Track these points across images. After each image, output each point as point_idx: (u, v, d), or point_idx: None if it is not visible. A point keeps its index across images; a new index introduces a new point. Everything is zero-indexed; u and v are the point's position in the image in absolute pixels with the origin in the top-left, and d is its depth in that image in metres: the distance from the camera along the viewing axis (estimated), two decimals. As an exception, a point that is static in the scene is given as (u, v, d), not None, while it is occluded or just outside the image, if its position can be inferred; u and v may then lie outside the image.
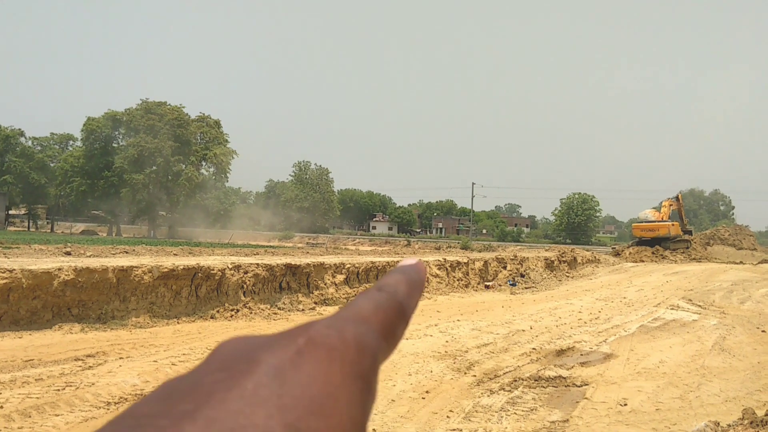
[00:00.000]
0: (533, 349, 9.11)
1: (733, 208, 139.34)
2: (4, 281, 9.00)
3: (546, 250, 28.34)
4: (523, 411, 6.07)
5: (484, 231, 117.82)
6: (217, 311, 10.69)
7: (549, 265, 23.11)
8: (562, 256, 24.83)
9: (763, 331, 11.03)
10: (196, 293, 10.59)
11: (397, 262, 15.50)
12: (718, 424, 4.79)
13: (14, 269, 9.24)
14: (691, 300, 15.45)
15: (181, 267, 10.41)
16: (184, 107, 71.75)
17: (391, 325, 0.42)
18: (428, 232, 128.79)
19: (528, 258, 22.26)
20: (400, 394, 6.44)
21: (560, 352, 8.94)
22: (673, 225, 39.63)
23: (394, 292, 0.44)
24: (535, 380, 7.24)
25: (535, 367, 7.96)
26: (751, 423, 4.59)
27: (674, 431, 5.50)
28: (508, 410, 6.06)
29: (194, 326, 9.88)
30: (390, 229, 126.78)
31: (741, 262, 36.52)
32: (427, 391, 6.56)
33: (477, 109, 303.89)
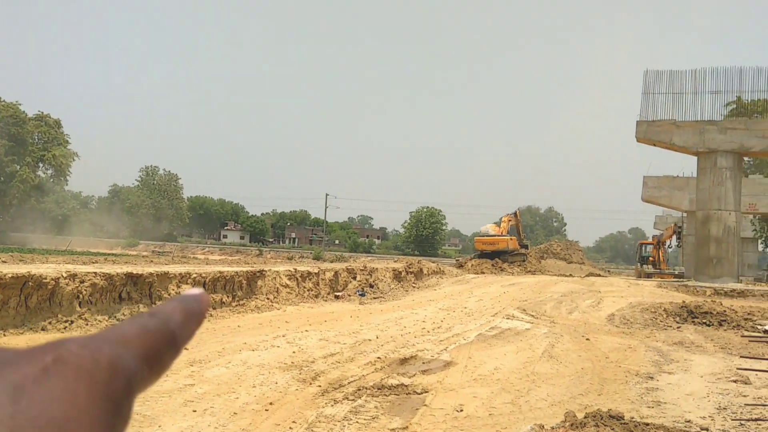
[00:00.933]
0: (378, 358, 9.31)
1: (565, 224, 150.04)
2: None
3: (395, 261, 29.06)
4: (365, 419, 6.20)
5: (337, 242, 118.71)
6: (49, 323, 10.01)
7: (397, 276, 23.71)
8: (410, 267, 25.56)
9: (587, 339, 11.97)
10: (26, 303, 9.87)
11: (248, 272, 15.30)
12: (543, 426, 5.15)
13: None
14: (525, 310, 16.45)
15: (9, 275, 9.67)
16: (20, 104, 66.66)
17: (157, 351, 0.41)
18: (281, 242, 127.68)
19: (377, 269, 22.72)
20: (243, 406, 6.37)
21: (404, 361, 9.21)
22: (511, 239, 42.06)
23: (166, 319, 0.43)
24: (379, 389, 7.41)
25: (379, 375, 8.14)
26: (572, 425, 4.98)
27: (505, 434, 5.85)
28: (351, 419, 6.17)
29: (22, 338, 9.20)
30: (242, 238, 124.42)
31: (570, 275, 39.39)
32: (270, 403, 6.53)
33: (331, 121, 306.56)
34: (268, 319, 13.27)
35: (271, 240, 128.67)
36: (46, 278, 10.19)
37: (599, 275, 42.16)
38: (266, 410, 6.29)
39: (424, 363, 9.17)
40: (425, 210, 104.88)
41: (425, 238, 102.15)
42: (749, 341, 11.38)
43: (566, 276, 37.43)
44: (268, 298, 15.43)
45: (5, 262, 14.38)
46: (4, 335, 9.32)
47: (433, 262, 32.62)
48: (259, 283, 15.49)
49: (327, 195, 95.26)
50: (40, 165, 68.53)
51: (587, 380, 8.39)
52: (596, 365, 9.46)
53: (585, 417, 5.02)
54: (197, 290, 0.50)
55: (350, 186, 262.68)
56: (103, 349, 0.37)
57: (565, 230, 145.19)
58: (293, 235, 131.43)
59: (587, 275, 39.66)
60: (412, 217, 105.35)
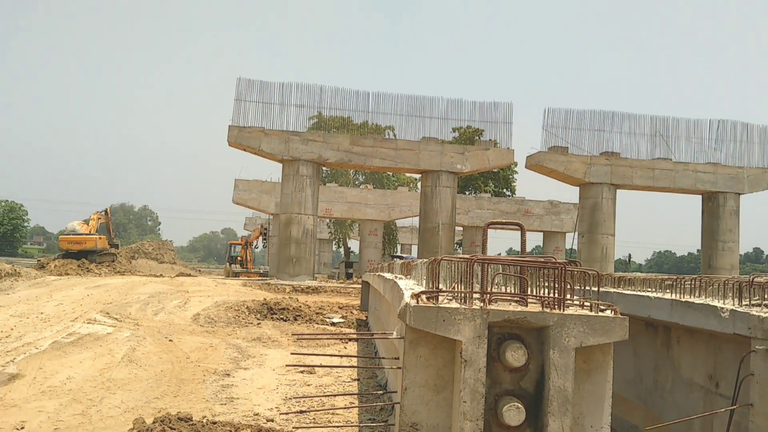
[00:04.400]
0: None
1: (160, 223, 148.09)
2: None
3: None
4: None
5: None
6: None
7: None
8: (-26, 271, 22.42)
9: (170, 341, 11.96)
10: None
11: None
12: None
13: None
14: (108, 313, 15.72)
15: None
16: None
17: None
18: None
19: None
20: None
21: (-44, 379, 8.04)
22: (100, 238, 39.89)
23: None
24: None
25: None
26: None
27: (71, 449, 5.51)
28: None
29: None
30: None
31: (161, 275, 38.93)
32: None
33: None
34: None
35: None
36: None
37: (189, 275, 42.50)
38: None
39: (-17, 379, 8.13)
40: (4, 204, 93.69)
41: (2, 236, 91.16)
42: (298, 338, 12.50)
43: (157, 276, 36.81)
44: None
45: None
46: None
47: (9, 263, 29.29)
48: None
49: None
50: None
51: (165, 382, 8.39)
52: (176, 366, 9.52)
53: (153, 422, 5.02)
54: None
55: None
56: None
57: (159, 229, 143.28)
58: None
59: (177, 275, 39.62)
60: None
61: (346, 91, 30.71)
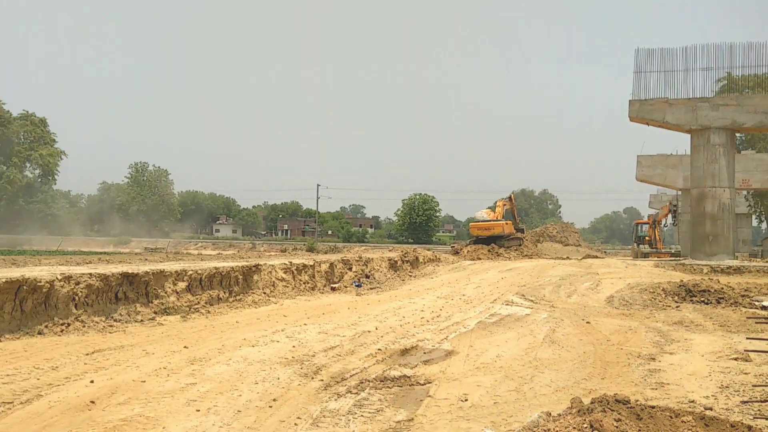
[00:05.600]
0: (379, 349, 9.26)
1: (560, 206, 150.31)
2: None
3: (390, 251, 29.02)
4: (369, 413, 6.14)
5: (330, 232, 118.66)
6: (46, 326, 9.90)
7: (393, 266, 23.66)
8: (405, 256, 25.52)
9: (587, 323, 11.95)
10: (20, 308, 9.75)
11: (243, 266, 15.21)
12: (550, 414, 5.10)
13: None
14: (524, 295, 16.43)
15: (3, 280, 9.54)
16: (4, 104, 66.10)
17: None
18: (274, 235, 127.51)
19: (372, 259, 22.66)
20: (246, 404, 6.30)
21: (404, 352, 9.16)
22: (506, 224, 42.01)
23: None
24: (381, 381, 7.36)
25: (381, 367, 8.09)
26: (579, 411, 4.92)
27: (511, 423, 5.80)
28: (355, 413, 6.11)
29: (19, 344, 9.08)
30: (234, 231, 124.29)
31: (568, 258, 39.43)
32: (274, 399, 6.47)
33: (320, 109, 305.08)
34: (266, 313, 13.20)
35: (263, 233, 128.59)
36: (40, 281, 10.08)
37: (596, 257, 42.24)
38: (270, 407, 6.22)
39: (425, 353, 9.12)
40: (418, 197, 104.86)
41: (419, 226, 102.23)
42: (755, 322, 11.38)
43: (563, 259, 37.45)
44: (264, 293, 15.35)
45: (-2, 265, 14.24)
46: (0, 341, 9.21)
47: (429, 250, 32.58)
48: (255, 277, 15.41)
49: (318, 185, 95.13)
50: (27, 165, 68.12)
51: (590, 364, 8.35)
52: (598, 349, 9.43)
53: (591, 402, 4.97)
54: None
55: (341, 175, 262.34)
56: None
57: (560, 212, 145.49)
58: (285, 227, 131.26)
59: (584, 257, 39.70)
60: (404, 205, 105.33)
61: (761, 45, 27.10)
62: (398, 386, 7.17)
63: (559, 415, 5.02)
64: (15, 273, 10.29)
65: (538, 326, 11.56)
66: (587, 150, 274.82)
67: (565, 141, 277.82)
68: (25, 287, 9.84)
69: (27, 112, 68.72)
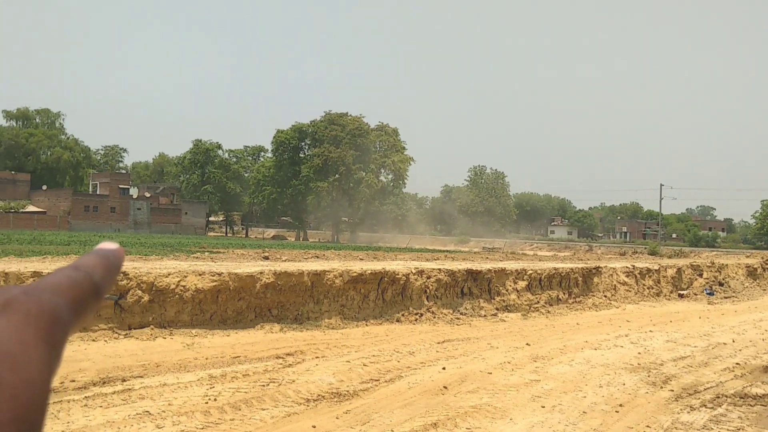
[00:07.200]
0: (737, 364, 8.44)
1: None
2: (214, 284, 9.87)
3: (747, 257, 26.10)
4: (728, 430, 5.65)
5: (674, 236, 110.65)
6: (402, 315, 10.97)
7: (751, 273, 21.23)
8: (767, 263, 22.71)
9: None
10: (382, 297, 10.95)
11: (582, 268, 15.02)
12: None
13: (222, 272, 10.10)
14: None
15: (369, 271, 10.82)
16: (363, 117, 74.49)
17: (84, 302, 0.45)
18: (611, 237, 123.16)
19: (727, 265, 20.59)
20: (591, 406, 6.24)
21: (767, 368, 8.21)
22: None
23: (90, 272, 0.47)
24: (741, 397, 6.70)
25: (740, 383, 7.37)
26: None
27: None
28: (712, 428, 5.67)
29: (382, 329, 10.21)
30: (569, 233, 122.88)
31: None
32: (620, 405, 6.30)
33: (665, 104, 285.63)
34: (607, 317, 12.86)
35: (600, 234, 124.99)
36: (398, 274, 11.19)
37: None
38: (616, 412, 6.08)
39: (796, 373, 8.06)
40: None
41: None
42: None
43: None
44: (605, 296, 14.97)
45: (362, 259, 16.11)
46: (367, 325, 10.44)
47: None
48: (595, 280, 15.10)
49: (662, 185, 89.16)
50: (382, 171, 75.60)
51: None
52: None
53: None
54: (113, 245, 0.53)
55: (687, 174, 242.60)
56: (45, 298, 0.42)
57: None
58: (624, 229, 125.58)
59: None
60: (764, 206, 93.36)
61: None
62: (761, 405, 6.46)
63: None
64: (377, 266, 11.58)
65: None
66: None
67: None
68: (385, 279, 11.02)
69: (382, 123, 76.49)
